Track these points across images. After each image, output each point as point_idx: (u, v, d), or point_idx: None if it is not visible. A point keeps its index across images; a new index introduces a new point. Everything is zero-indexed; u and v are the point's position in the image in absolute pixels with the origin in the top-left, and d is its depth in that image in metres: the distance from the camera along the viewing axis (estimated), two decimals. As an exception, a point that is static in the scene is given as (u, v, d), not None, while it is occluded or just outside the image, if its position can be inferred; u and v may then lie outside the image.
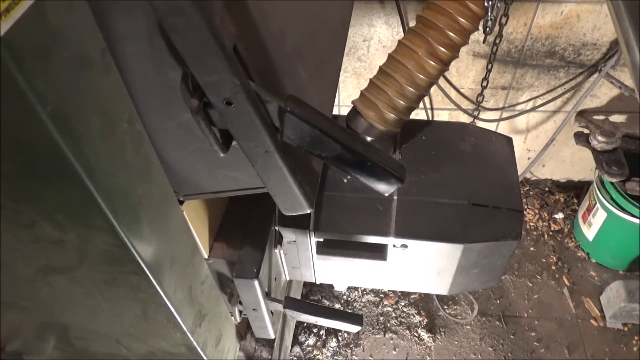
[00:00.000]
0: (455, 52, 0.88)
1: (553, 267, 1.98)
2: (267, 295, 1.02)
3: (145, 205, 0.66)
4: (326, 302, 1.90)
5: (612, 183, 1.71)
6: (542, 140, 1.97)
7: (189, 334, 0.87)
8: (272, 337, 1.14)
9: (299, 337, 1.79)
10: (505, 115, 1.87)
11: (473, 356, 1.75)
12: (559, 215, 2.14)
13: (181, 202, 0.79)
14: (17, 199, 0.57)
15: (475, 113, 1.69)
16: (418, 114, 1.92)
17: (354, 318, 1.07)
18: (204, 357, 0.97)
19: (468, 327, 1.82)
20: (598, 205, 1.83)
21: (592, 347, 1.74)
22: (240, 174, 0.72)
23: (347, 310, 1.88)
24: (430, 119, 1.92)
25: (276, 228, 1.04)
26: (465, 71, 1.71)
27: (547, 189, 2.22)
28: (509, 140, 1.12)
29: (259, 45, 0.59)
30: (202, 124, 0.57)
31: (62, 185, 0.54)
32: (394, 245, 1.02)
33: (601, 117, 1.82)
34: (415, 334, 1.81)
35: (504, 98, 1.81)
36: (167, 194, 0.74)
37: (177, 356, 0.99)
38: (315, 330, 1.80)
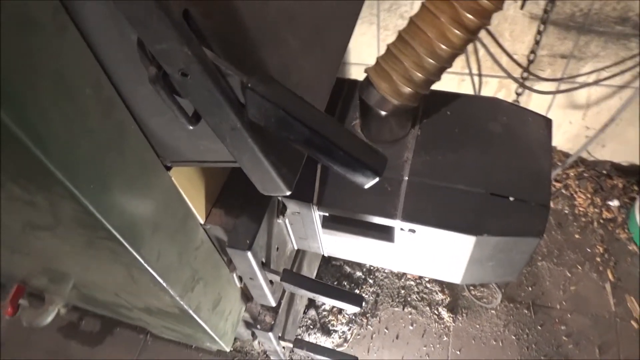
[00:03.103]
0: (484, 19, 0.75)
1: (598, 259, 1.82)
2: (265, 265, 1.00)
3: (116, 174, 0.64)
4: (348, 269, 1.87)
5: (679, 174, 1.50)
6: (603, 118, 1.75)
7: (177, 298, 0.87)
8: (273, 304, 1.13)
9: (316, 301, 1.79)
10: (563, 87, 1.67)
11: (493, 342, 1.67)
12: (614, 203, 1.94)
13: (168, 168, 0.76)
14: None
15: (525, 84, 1.51)
16: (464, 80, 1.77)
17: (354, 298, 1.03)
18: (198, 319, 0.98)
19: (493, 311, 1.73)
20: (659, 197, 1.63)
21: (627, 349, 1.61)
22: (220, 147, 0.67)
23: (368, 279, 1.85)
24: (477, 86, 1.75)
25: (279, 198, 1.00)
26: (520, 35, 1.52)
27: (604, 171, 2.01)
28: (547, 123, 0.99)
29: (225, 10, 0.52)
30: (163, 94, 0.52)
31: (11, 152, 0.52)
32: (401, 229, 0.95)
33: (679, 97, 1.58)
34: (436, 311, 1.75)
35: (562, 68, 1.61)
36: (148, 161, 0.71)
37: (171, 315, 1.01)
38: (332, 296, 1.79)
